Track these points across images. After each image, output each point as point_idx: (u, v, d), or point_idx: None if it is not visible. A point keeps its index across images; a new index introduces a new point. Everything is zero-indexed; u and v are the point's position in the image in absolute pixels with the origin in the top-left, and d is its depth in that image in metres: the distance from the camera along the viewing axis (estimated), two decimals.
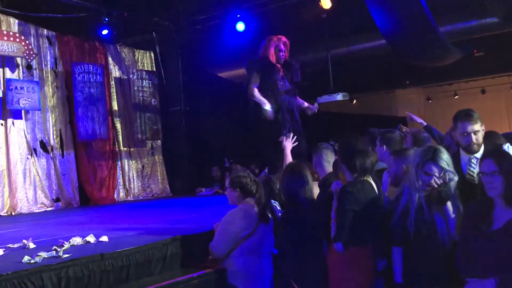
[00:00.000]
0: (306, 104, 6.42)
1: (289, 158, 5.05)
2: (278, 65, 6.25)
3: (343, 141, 4.10)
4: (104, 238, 4.44)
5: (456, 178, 3.34)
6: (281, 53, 6.26)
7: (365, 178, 3.75)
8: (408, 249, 3.42)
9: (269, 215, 4.22)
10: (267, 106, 5.96)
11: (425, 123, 6.08)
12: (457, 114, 3.73)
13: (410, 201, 3.38)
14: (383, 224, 3.64)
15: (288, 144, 5.15)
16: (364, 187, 3.71)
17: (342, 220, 3.63)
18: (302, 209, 3.95)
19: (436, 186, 3.32)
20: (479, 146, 3.67)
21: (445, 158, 3.37)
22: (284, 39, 6.32)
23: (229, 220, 4.11)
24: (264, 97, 6.04)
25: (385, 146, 4.32)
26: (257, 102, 6.04)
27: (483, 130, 3.72)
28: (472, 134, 3.63)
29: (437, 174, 3.33)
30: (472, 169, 3.65)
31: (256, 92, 6.07)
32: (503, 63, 13.56)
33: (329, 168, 4.37)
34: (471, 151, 3.67)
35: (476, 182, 3.37)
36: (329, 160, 4.43)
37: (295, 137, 5.25)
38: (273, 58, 6.23)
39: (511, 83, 16.41)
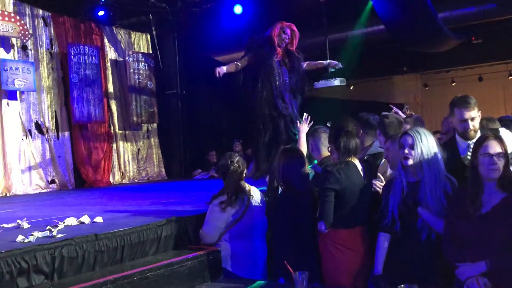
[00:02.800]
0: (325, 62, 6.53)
1: (303, 142, 4.98)
2: (278, 49, 6.19)
3: (335, 122, 4.12)
4: (99, 219, 4.43)
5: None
6: (284, 35, 6.17)
7: (349, 160, 3.77)
8: (392, 237, 3.42)
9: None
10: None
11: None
12: (454, 101, 3.72)
13: (396, 185, 3.38)
14: (371, 208, 3.66)
15: (304, 127, 5.09)
16: (347, 168, 3.72)
17: (324, 199, 3.68)
18: (298, 193, 3.96)
19: (410, 156, 3.30)
20: (476, 132, 3.67)
21: (422, 130, 3.38)
22: (293, 27, 6.24)
23: (217, 204, 4.11)
24: (256, 78, 6.03)
25: (379, 130, 4.32)
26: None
27: (479, 116, 3.72)
28: (469, 121, 3.63)
29: (409, 142, 3.32)
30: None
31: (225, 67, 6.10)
32: (500, 50, 13.53)
33: (325, 152, 4.37)
34: (467, 137, 3.67)
35: None
36: (326, 144, 4.43)
37: (310, 120, 5.17)
38: (276, 38, 6.17)
39: (508, 71, 16.39)
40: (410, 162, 3.32)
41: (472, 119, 3.63)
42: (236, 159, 4.20)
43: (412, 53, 11.71)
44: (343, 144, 3.80)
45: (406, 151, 3.32)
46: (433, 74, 17.41)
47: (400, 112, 5.83)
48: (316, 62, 6.51)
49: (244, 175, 4.24)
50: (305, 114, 5.20)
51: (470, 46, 12.28)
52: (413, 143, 3.31)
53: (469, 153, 3.66)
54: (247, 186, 4.20)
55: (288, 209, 3.98)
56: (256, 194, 4.25)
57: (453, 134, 3.88)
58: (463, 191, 3.10)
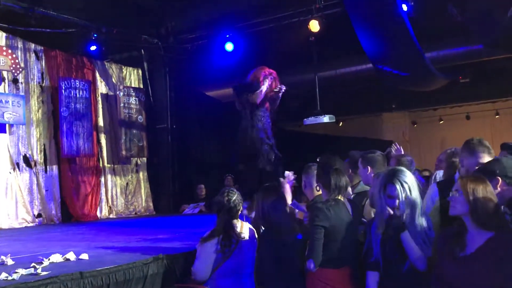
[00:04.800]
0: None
1: (288, 191, 4.90)
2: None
3: (321, 159, 4.13)
4: (84, 256, 4.38)
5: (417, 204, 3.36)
6: (269, 90, 6.19)
7: (338, 197, 3.78)
8: (381, 275, 3.42)
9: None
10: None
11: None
12: (475, 142, 3.69)
13: (379, 225, 3.39)
14: (359, 247, 3.64)
15: (285, 183, 4.92)
16: (336, 205, 3.72)
17: (313, 236, 3.65)
18: (280, 230, 3.95)
19: (398, 209, 3.33)
20: None
21: (408, 180, 3.39)
22: (274, 74, 6.23)
23: (207, 246, 4.07)
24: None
25: (369, 168, 4.33)
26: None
27: None
28: None
29: (401, 196, 3.34)
30: None
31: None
32: (487, 90, 13.78)
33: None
34: None
35: None
36: None
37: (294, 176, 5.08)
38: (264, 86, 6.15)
39: (495, 110, 16.64)
40: (398, 212, 3.36)
41: None
42: (234, 198, 4.10)
43: (401, 91, 11.88)
44: (334, 182, 3.81)
45: (396, 203, 3.35)
46: (421, 112, 17.63)
47: (402, 151, 5.84)
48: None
49: (239, 213, 4.19)
50: (290, 172, 5.06)
51: (457, 85, 12.49)
52: (404, 195, 3.34)
53: None
54: (239, 224, 4.17)
55: (271, 247, 3.97)
56: (248, 232, 4.21)
57: (453, 173, 3.89)
58: (449, 231, 3.11)
